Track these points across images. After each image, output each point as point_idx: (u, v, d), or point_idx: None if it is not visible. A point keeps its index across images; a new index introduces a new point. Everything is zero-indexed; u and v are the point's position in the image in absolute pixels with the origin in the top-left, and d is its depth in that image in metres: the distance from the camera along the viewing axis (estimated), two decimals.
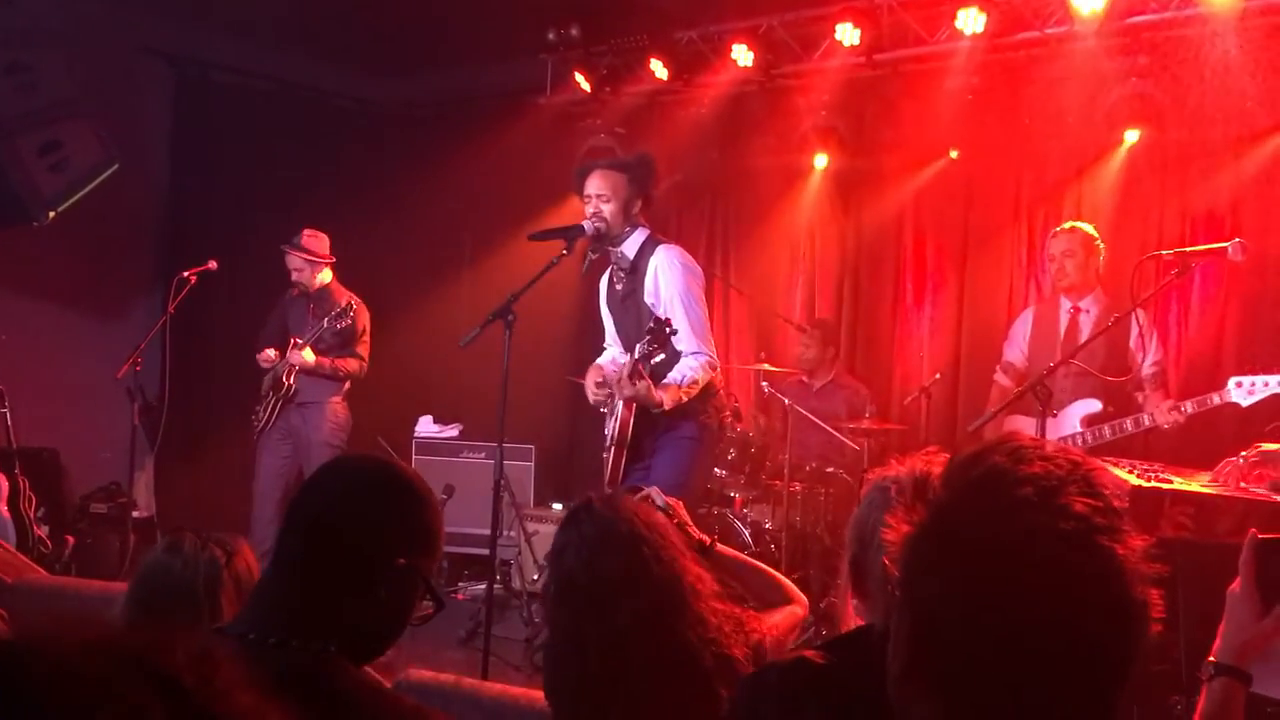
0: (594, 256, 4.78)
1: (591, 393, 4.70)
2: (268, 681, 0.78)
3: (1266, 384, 4.23)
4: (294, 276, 6.37)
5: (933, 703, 1.05)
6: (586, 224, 4.56)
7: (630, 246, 4.59)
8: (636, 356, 4.23)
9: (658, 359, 4.23)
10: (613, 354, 4.90)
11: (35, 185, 6.46)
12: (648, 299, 4.52)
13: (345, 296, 6.37)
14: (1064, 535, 1.02)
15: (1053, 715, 1.04)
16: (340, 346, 6.33)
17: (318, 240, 6.39)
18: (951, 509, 1.08)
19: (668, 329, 4.13)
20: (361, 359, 6.41)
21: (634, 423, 4.41)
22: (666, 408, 4.35)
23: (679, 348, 4.32)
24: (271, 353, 6.28)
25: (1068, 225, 5.35)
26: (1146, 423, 4.70)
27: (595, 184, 4.58)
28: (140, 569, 2.35)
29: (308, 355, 6.17)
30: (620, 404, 4.45)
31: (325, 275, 6.40)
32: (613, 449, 4.53)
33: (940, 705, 1.05)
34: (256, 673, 0.78)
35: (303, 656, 1.58)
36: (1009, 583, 1.02)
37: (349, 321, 6.23)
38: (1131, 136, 5.79)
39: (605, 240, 4.59)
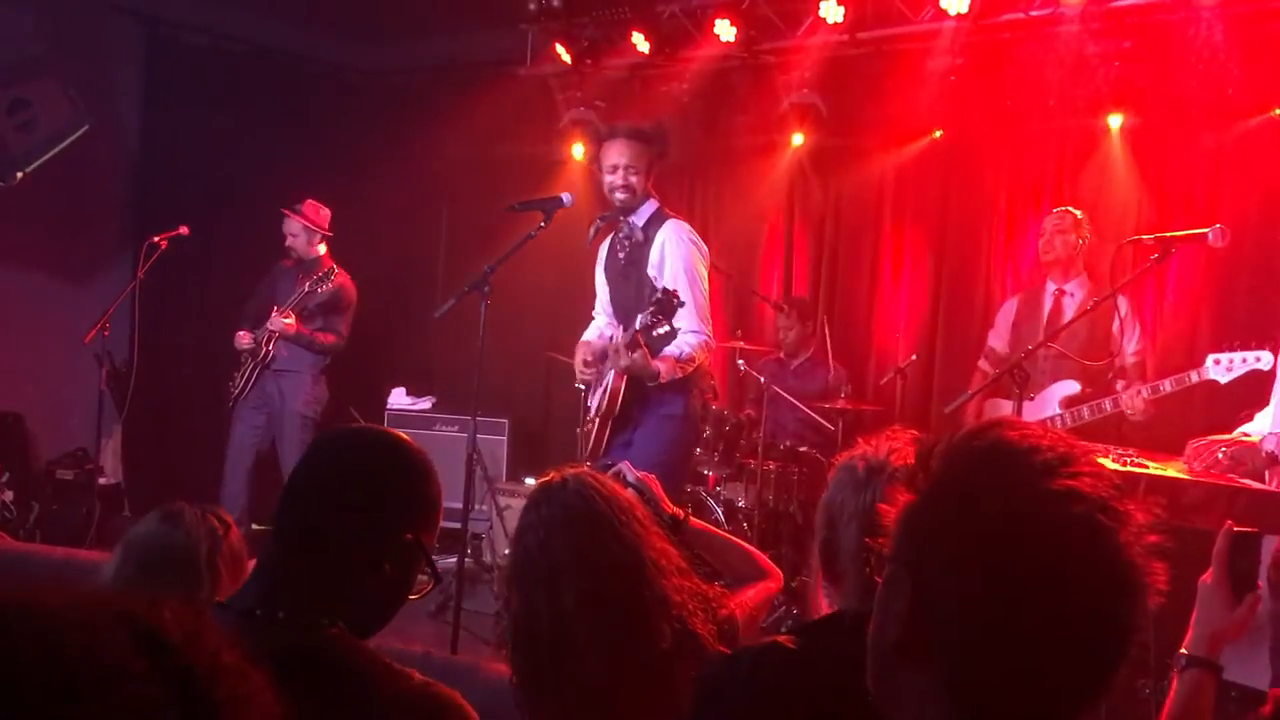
0: (601, 224, 4.72)
1: (580, 371, 4.66)
2: (273, 657, 0.76)
3: (1244, 360, 4.23)
4: (289, 242, 6.31)
5: (930, 673, 1.04)
6: (617, 195, 4.50)
7: (640, 216, 4.57)
8: (638, 326, 4.17)
9: (660, 330, 4.16)
10: (599, 325, 4.86)
11: (3, 144, 6.35)
12: (651, 271, 4.49)
13: (338, 270, 6.34)
14: (1074, 503, 1.01)
15: (1054, 685, 1.03)
16: (322, 318, 6.27)
17: (319, 212, 6.36)
18: (958, 477, 1.06)
19: (675, 301, 4.06)
20: (340, 335, 6.37)
21: (623, 394, 4.36)
22: (662, 380, 4.31)
23: (678, 324, 4.26)
24: (246, 339, 6.22)
25: (1062, 208, 5.42)
26: (1146, 395, 4.69)
27: (625, 154, 4.50)
28: (132, 539, 2.30)
29: (288, 321, 6.12)
30: (610, 375, 4.40)
31: (320, 248, 6.35)
32: (597, 420, 4.50)
33: (939, 675, 1.03)
34: (261, 648, 0.75)
35: (309, 632, 1.55)
36: (1016, 550, 1.01)
37: (329, 286, 6.18)
38: (1114, 121, 5.79)
39: (627, 211, 4.54)
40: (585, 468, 2.21)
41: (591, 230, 4.80)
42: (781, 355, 6.55)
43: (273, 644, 1.45)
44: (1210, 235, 3.84)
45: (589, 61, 6.95)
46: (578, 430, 5.48)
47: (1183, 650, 1.74)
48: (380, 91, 8.23)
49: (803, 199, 7.12)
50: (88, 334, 5.96)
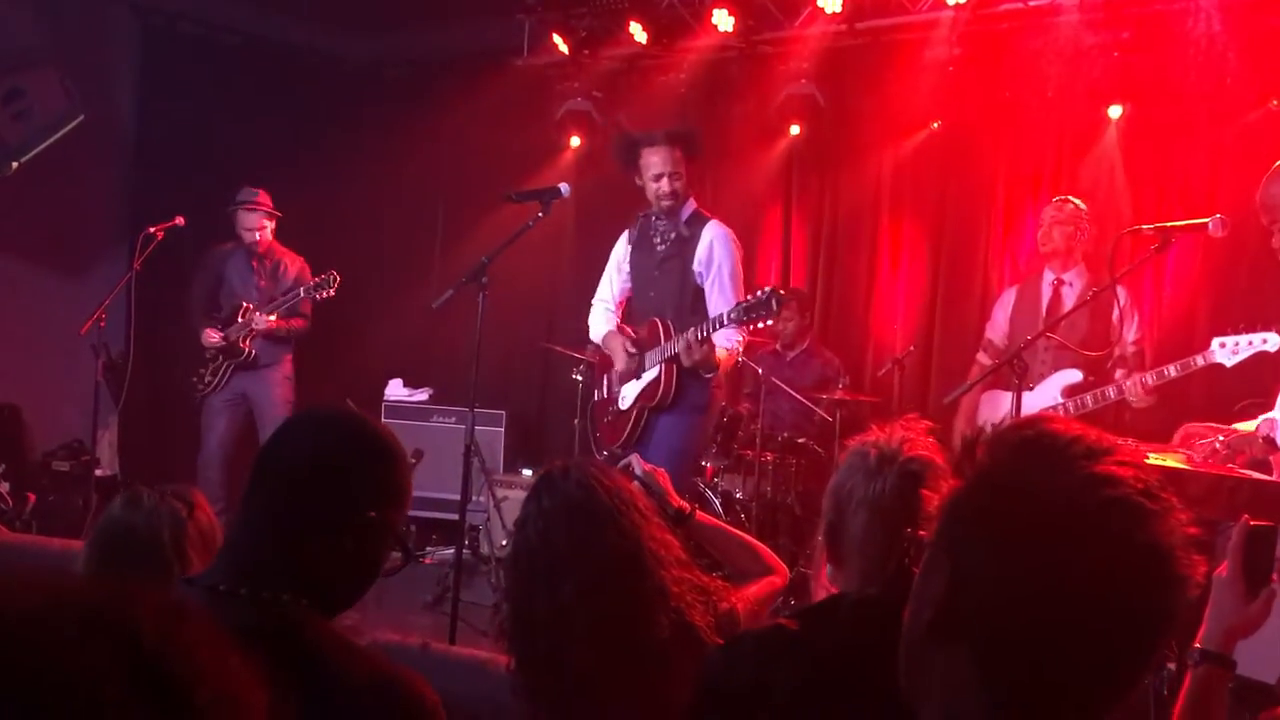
0: (641, 220, 4.79)
1: (623, 359, 4.69)
2: (237, 633, 0.75)
3: (1250, 343, 4.20)
4: (256, 235, 6.31)
5: (962, 652, 1.05)
6: (664, 203, 4.61)
7: (682, 214, 4.67)
8: (730, 320, 4.27)
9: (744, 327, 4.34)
10: (602, 314, 4.92)
11: None
12: (697, 268, 4.62)
13: (287, 254, 6.41)
14: (1116, 487, 1.02)
15: (1085, 670, 1.03)
16: (289, 308, 6.31)
17: (266, 196, 6.38)
18: (1002, 464, 1.08)
19: (775, 304, 4.14)
20: (308, 318, 6.40)
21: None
22: (720, 373, 4.58)
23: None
24: (216, 336, 6.23)
25: (1062, 197, 5.38)
26: (1151, 381, 4.68)
27: (664, 160, 4.59)
28: (98, 526, 2.29)
29: (271, 319, 6.16)
30: (659, 367, 4.54)
31: (268, 232, 6.40)
32: (636, 410, 4.63)
33: (971, 653, 1.04)
34: (225, 624, 0.74)
35: (273, 608, 1.57)
36: (1055, 531, 1.02)
37: (330, 294, 6.15)
38: (1113, 111, 5.78)
39: (672, 214, 4.65)
40: (597, 458, 2.21)
41: (634, 229, 4.84)
42: (778, 347, 6.54)
43: (236, 620, 1.49)
44: (1211, 225, 3.82)
45: (586, 52, 6.94)
46: (575, 422, 5.47)
47: (1196, 645, 1.73)
48: (377, 82, 8.19)
49: (800, 190, 7.10)
50: (84, 325, 5.94)
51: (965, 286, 6.43)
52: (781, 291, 4.22)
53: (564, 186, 4.54)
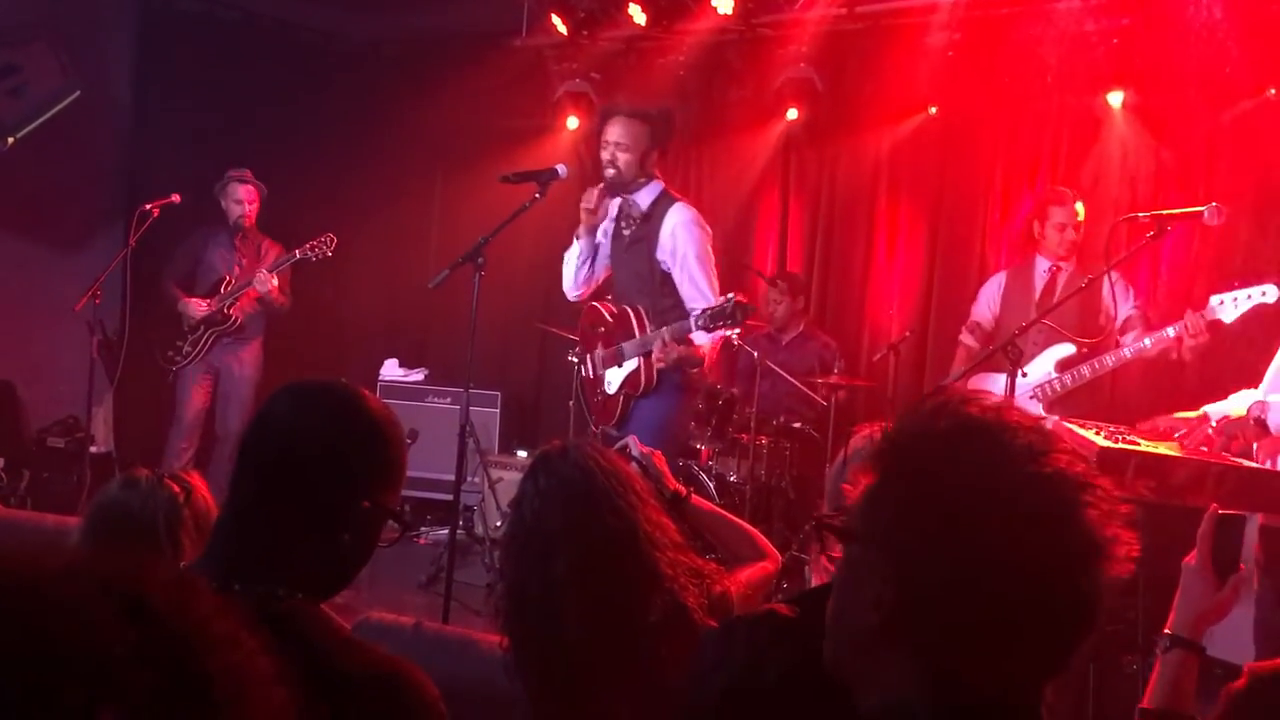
0: (598, 192, 4.75)
1: (598, 353, 4.75)
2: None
3: (1250, 296, 4.23)
4: (244, 210, 6.40)
5: (910, 653, 1.06)
6: (607, 172, 4.58)
7: (644, 197, 4.62)
8: (698, 323, 4.25)
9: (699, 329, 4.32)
10: (570, 282, 4.95)
11: None
12: (660, 254, 4.56)
13: (267, 239, 6.52)
14: (1056, 486, 1.04)
15: (1028, 657, 1.06)
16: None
17: (252, 177, 6.49)
18: (933, 459, 1.07)
19: (740, 315, 4.13)
20: (288, 297, 6.49)
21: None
22: (705, 367, 4.60)
23: (693, 305, 4.43)
24: (204, 306, 6.31)
25: (1068, 191, 5.32)
26: (1128, 355, 4.66)
27: (615, 131, 4.57)
28: (94, 504, 2.29)
29: (275, 284, 6.23)
30: (637, 359, 4.53)
31: (256, 208, 6.51)
32: (623, 396, 4.63)
33: (919, 655, 1.05)
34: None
35: (267, 602, 1.52)
36: (999, 532, 1.03)
37: (328, 254, 6.24)
38: (1111, 98, 5.77)
39: (617, 188, 4.60)
40: (591, 436, 2.22)
41: (593, 193, 4.77)
42: (772, 331, 6.54)
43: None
44: (1206, 213, 3.82)
45: (585, 33, 6.90)
46: (570, 404, 5.47)
47: (1166, 631, 1.75)
48: (374, 61, 8.15)
49: (798, 173, 7.09)
50: (79, 302, 5.93)
51: (962, 272, 6.43)
52: (745, 302, 4.16)
53: (561, 168, 4.53)
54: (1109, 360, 4.68)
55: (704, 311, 4.23)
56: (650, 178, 4.63)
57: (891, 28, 6.22)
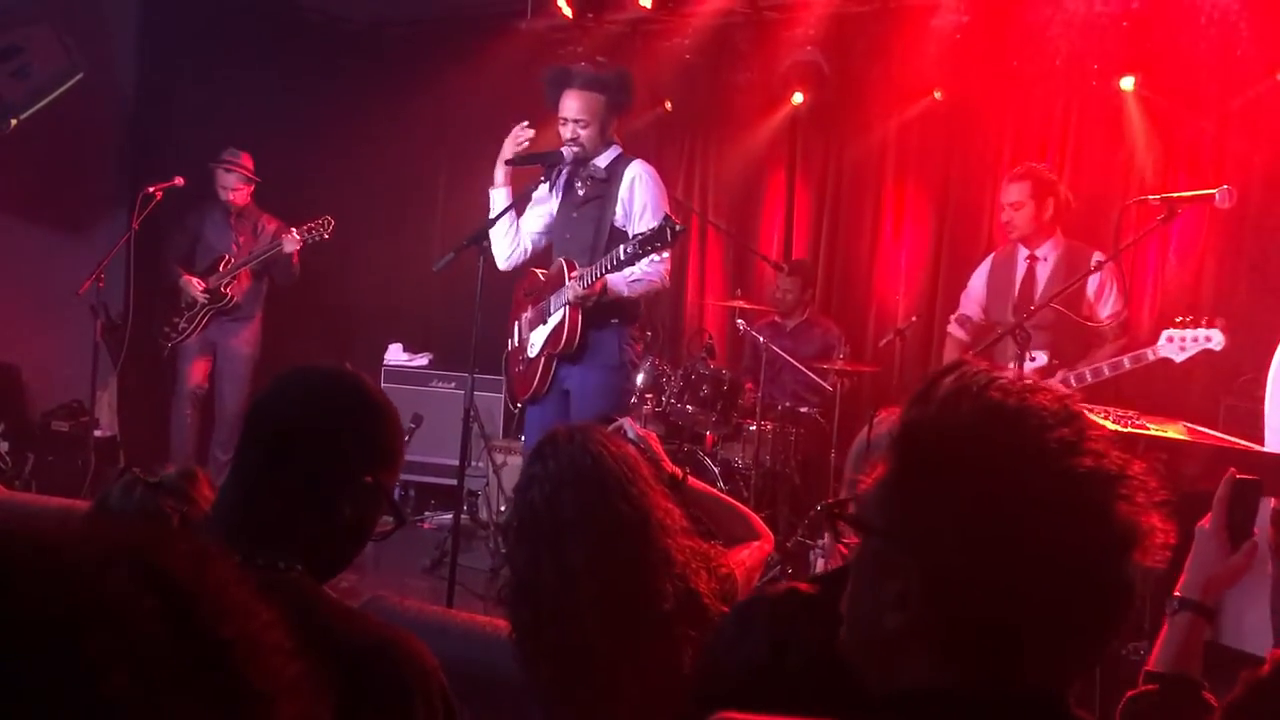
0: (551, 171, 4.63)
1: (528, 310, 4.62)
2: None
3: (1196, 339, 4.01)
4: (231, 195, 6.44)
5: (941, 652, 1.03)
6: (565, 150, 4.47)
7: (603, 159, 4.52)
8: (623, 255, 4.08)
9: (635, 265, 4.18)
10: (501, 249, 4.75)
11: None
12: (618, 209, 4.44)
13: (265, 215, 6.56)
14: (1093, 483, 1.01)
15: (1063, 653, 1.03)
16: (263, 264, 6.46)
17: (248, 159, 6.52)
18: (960, 450, 1.04)
19: (671, 232, 3.95)
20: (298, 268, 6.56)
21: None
22: (610, 297, 4.31)
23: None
24: (201, 285, 6.37)
25: (1019, 170, 5.09)
26: (1107, 372, 4.48)
27: (573, 107, 4.45)
28: (96, 502, 2.26)
29: (298, 245, 6.29)
30: (564, 310, 4.37)
31: (243, 195, 6.55)
32: (544, 358, 4.48)
33: (949, 654, 1.03)
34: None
35: (268, 574, 1.55)
36: (1037, 528, 1.00)
37: (326, 237, 6.29)
38: (1122, 82, 5.72)
39: (582, 162, 4.51)
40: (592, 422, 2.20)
41: (542, 181, 4.64)
42: (778, 317, 6.51)
43: None
44: (1218, 196, 3.78)
45: (590, 16, 6.87)
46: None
47: (1175, 594, 1.74)
48: (379, 43, 8.11)
49: (804, 158, 7.06)
50: (83, 285, 5.92)
51: (968, 257, 6.37)
52: (678, 224, 3.98)
53: (567, 150, 4.50)
54: (1126, 363, 4.47)
55: (634, 238, 4.07)
56: (611, 143, 4.53)
57: (899, 10, 6.18)
